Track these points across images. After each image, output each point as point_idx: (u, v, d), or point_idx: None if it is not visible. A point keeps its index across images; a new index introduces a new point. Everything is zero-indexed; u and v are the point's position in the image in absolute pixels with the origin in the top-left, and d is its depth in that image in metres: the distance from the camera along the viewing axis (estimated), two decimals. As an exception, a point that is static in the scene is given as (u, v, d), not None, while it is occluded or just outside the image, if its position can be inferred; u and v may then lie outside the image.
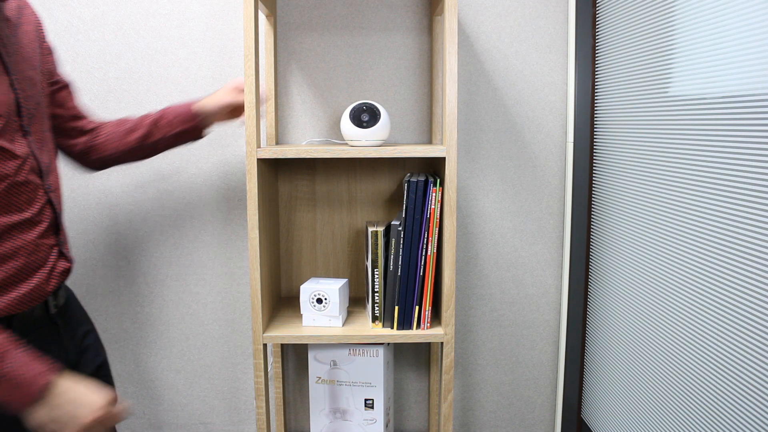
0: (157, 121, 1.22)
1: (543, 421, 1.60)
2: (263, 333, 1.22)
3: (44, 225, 0.96)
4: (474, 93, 1.48)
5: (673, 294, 1.07)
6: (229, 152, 1.48)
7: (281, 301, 1.47)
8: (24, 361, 0.85)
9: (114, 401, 0.93)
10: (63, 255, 1.02)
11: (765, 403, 0.83)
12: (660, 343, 1.12)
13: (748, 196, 0.85)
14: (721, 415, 0.93)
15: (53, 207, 0.99)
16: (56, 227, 1.00)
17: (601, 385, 1.40)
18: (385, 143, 1.30)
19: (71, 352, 1.06)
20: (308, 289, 1.25)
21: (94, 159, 1.20)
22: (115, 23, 1.44)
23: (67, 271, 1.03)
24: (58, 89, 1.11)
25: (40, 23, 1.04)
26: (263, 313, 1.23)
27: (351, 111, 1.21)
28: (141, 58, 1.45)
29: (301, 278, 1.51)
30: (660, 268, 1.11)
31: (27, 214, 0.92)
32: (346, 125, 1.21)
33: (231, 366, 1.56)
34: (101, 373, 1.15)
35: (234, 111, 1.26)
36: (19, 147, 0.91)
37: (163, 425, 1.59)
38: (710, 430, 0.96)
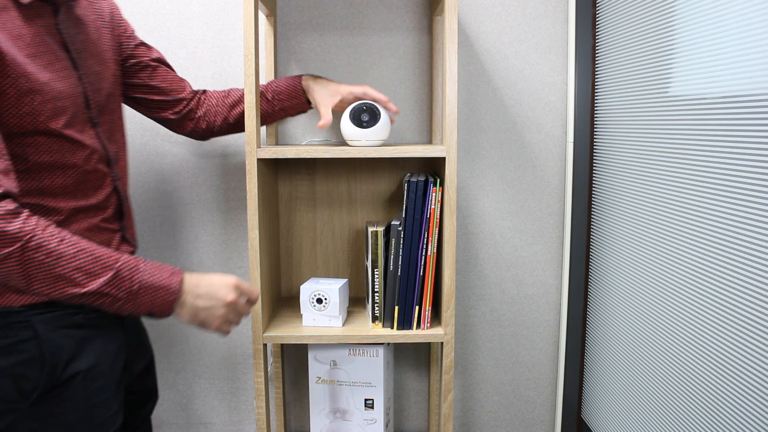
0: (262, 95, 1.26)
1: (543, 421, 1.61)
2: (263, 333, 1.22)
3: (109, 211, 1.01)
4: (474, 93, 1.48)
5: (673, 294, 1.07)
6: (229, 152, 1.48)
7: (281, 301, 1.48)
8: (154, 267, 0.91)
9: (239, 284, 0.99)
10: (126, 240, 1.07)
11: (765, 403, 0.83)
12: (660, 343, 1.12)
13: (748, 196, 0.85)
14: (721, 415, 0.93)
15: (119, 194, 1.03)
16: (120, 213, 1.05)
17: (601, 385, 1.40)
18: (385, 143, 1.30)
19: (132, 338, 1.09)
20: (308, 289, 1.25)
21: (195, 129, 1.25)
22: (115, 23, 1.44)
23: (132, 254, 1.08)
24: (139, 69, 1.15)
25: (115, 8, 1.09)
26: (263, 313, 1.23)
27: (351, 111, 1.21)
28: (141, 58, 1.45)
29: (301, 278, 1.51)
30: (660, 268, 1.11)
31: (93, 200, 0.97)
32: (346, 125, 1.21)
33: (231, 366, 1.56)
34: (150, 370, 1.17)
35: (340, 102, 1.27)
36: (88, 138, 0.95)
37: (163, 425, 1.59)
38: (710, 430, 0.96)
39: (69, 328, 0.93)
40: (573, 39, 1.43)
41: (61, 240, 0.83)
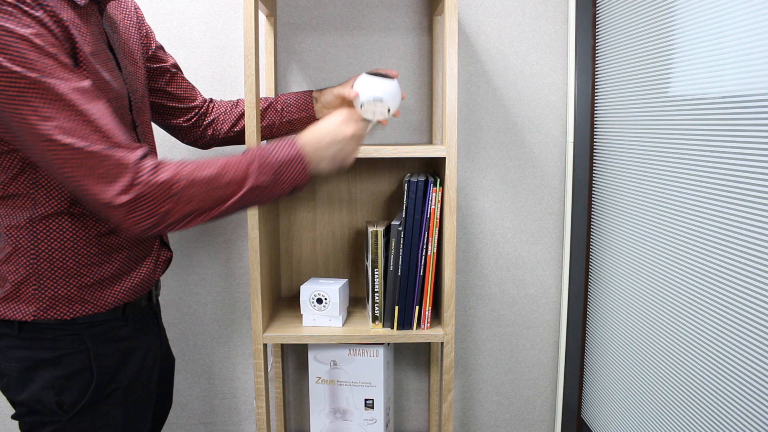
0: (272, 105, 1.26)
1: (543, 421, 1.61)
2: (263, 333, 1.22)
3: None
4: (474, 93, 1.48)
5: (673, 294, 1.07)
6: (229, 152, 1.48)
7: (281, 301, 1.47)
8: (274, 146, 0.92)
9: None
10: (165, 244, 1.08)
11: (765, 403, 0.83)
12: (660, 343, 1.12)
13: (748, 196, 0.85)
14: (721, 415, 0.93)
15: None
16: None
17: (601, 385, 1.40)
18: (385, 143, 1.30)
19: (164, 343, 1.11)
20: (308, 289, 1.25)
21: (201, 137, 1.25)
22: (115, 23, 1.44)
23: (169, 260, 1.09)
24: (159, 74, 1.15)
25: (138, 7, 1.09)
26: (263, 313, 1.23)
27: (367, 72, 1.17)
28: (141, 58, 1.45)
29: (301, 278, 1.51)
30: (660, 268, 1.11)
31: None
32: (365, 79, 1.16)
33: (231, 366, 1.56)
34: (171, 375, 1.17)
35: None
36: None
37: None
38: (710, 430, 0.96)
39: (116, 341, 0.94)
40: (573, 39, 1.43)
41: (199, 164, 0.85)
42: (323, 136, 0.96)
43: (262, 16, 1.42)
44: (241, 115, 1.26)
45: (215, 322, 1.54)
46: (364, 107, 1.11)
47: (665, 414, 1.11)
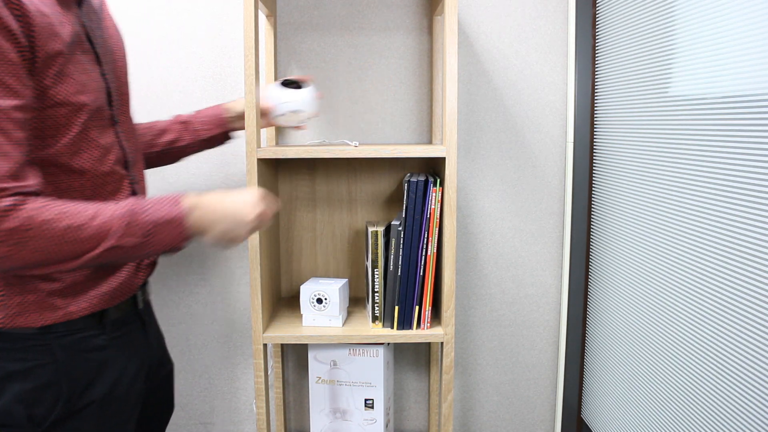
0: (187, 124, 1.21)
1: (543, 421, 1.60)
2: (263, 333, 1.22)
3: None
4: (474, 93, 1.48)
5: (673, 294, 1.07)
6: (229, 152, 1.48)
7: (281, 301, 1.48)
8: (154, 202, 0.85)
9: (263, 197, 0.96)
10: None
11: (765, 403, 0.83)
12: (660, 343, 1.12)
13: (748, 196, 0.85)
14: (721, 415, 0.93)
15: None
16: None
17: (601, 385, 1.40)
18: (385, 143, 1.30)
19: (154, 350, 1.06)
20: (308, 289, 1.25)
21: None
22: (115, 23, 1.44)
23: (153, 265, 1.04)
24: None
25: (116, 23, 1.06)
26: (263, 313, 1.23)
27: (279, 80, 1.19)
28: (141, 58, 1.45)
29: (301, 278, 1.51)
30: (660, 268, 1.11)
31: None
32: (275, 90, 1.18)
33: (231, 366, 1.56)
34: (169, 381, 1.13)
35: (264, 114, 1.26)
36: (107, 137, 0.91)
37: (163, 425, 1.59)
38: (710, 430, 0.96)
39: (89, 351, 0.90)
40: (573, 39, 1.43)
41: (61, 211, 0.79)
42: (218, 209, 0.90)
43: (262, 16, 1.42)
44: (160, 133, 1.20)
45: (215, 321, 1.54)
46: (279, 118, 1.14)
47: (665, 414, 1.11)
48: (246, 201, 0.93)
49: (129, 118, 1.00)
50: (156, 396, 1.10)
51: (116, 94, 0.95)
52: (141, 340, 1.00)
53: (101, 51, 0.92)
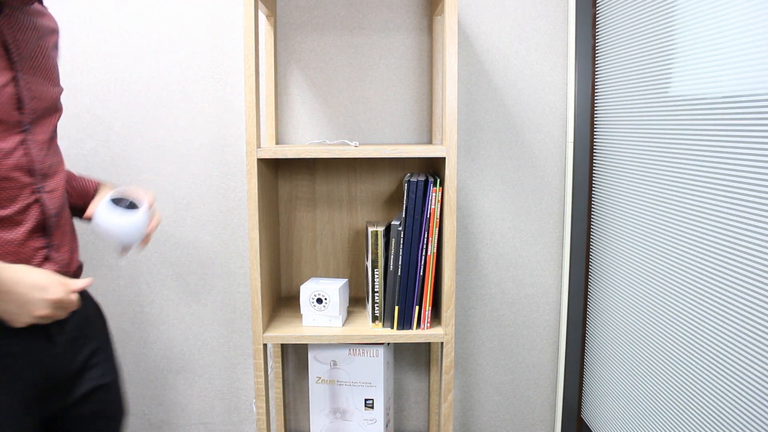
0: (68, 181, 1.13)
1: (543, 421, 1.61)
2: (263, 333, 1.22)
3: (28, 225, 0.92)
4: (474, 93, 1.48)
5: (673, 294, 1.07)
6: (228, 152, 1.48)
7: (281, 301, 1.48)
8: None
9: (67, 284, 0.89)
10: (50, 259, 0.96)
11: (765, 403, 0.83)
12: (660, 342, 1.12)
13: (748, 196, 0.85)
14: (721, 415, 0.93)
15: (43, 208, 0.94)
16: (44, 229, 0.95)
17: (601, 385, 1.40)
18: (385, 143, 1.30)
19: (69, 364, 1.00)
20: (308, 289, 1.25)
21: None
22: (115, 23, 1.44)
23: (67, 273, 0.99)
24: None
25: (58, 40, 1.03)
26: (263, 313, 1.23)
27: (113, 194, 1.06)
28: (141, 58, 1.45)
29: (301, 278, 1.51)
30: (660, 268, 1.11)
31: (7, 212, 0.89)
32: (103, 208, 1.03)
33: (231, 366, 1.56)
34: (101, 393, 1.06)
35: None
36: (8, 141, 0.88)
37: (163, 425, 1.59)
38: (710, 430, 0.96)
39: None
40: (573, 39, 1.43)
41: None
42: (5, 283, 0.84)
43: (262, 16, 1.42)
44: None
45: (215, 322, 1.54)
46: (103, 237, 1.00)
47: (665, 414, 1.11)
48: (37, 281, 0.87)
49: (49, 130, 0.97)
50: (88, 408, 1.04)
51: (32, 101, 0.93)
52: (39, 347, 0.94)
53: (18, 58, 0.90)
